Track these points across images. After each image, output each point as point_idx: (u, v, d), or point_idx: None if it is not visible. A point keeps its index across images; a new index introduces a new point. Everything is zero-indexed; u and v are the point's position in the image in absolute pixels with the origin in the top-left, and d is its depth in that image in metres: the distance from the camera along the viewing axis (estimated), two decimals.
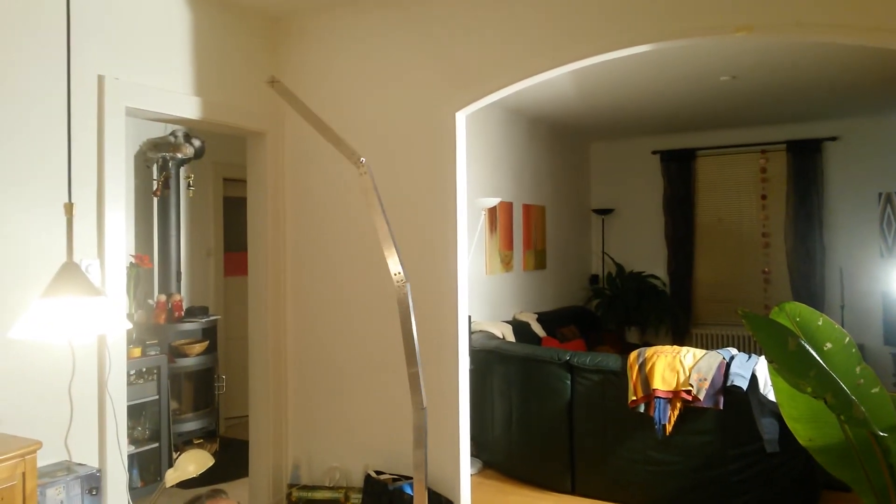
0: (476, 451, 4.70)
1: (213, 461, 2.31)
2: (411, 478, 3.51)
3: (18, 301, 2.64)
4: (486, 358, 4.69)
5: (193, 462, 2.22)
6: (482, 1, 3.39)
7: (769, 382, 3.56)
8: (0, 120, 2.62)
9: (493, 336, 4.98)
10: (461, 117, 3.51)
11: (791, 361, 2.10)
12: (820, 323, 2.37)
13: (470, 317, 4.47)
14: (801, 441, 2.42)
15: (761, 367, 3.71)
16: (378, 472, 3.61)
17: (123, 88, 3.07)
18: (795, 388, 2.20)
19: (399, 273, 1.76)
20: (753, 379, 3.67)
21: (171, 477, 2.17)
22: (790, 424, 2.42)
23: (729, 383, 3.68)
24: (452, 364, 3.49)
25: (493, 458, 4.69)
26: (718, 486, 3.76)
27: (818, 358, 2.09)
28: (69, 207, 1.68)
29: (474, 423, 4.57)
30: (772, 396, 3.54)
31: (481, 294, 5.64)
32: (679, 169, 7.44)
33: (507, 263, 6.07)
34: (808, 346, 2.11)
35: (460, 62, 3.45)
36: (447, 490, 3.47)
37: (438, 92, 3.51)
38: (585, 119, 6.64)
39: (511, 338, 5.23)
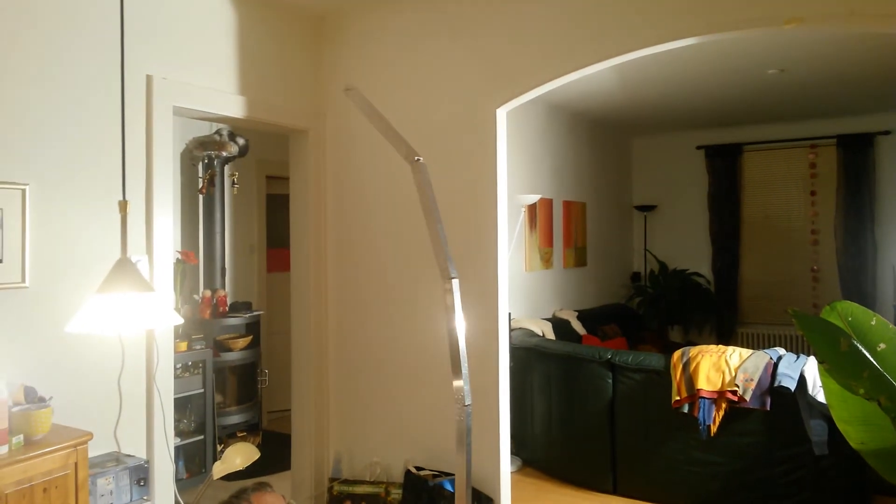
0: (516, 449, 4.69)
1: (259, 454, 2.35)
2: (452, 474, 3.52)
3: (70, 294, 2.72)
4: (526, 355, 4.67)
5: (240, 455, 2.25)
6: None
7: (818, 383, 3.48)
8: (56, 119, 2.70)
9: (532, 333, 4.95)
10: (502, 113, 3.50)
11: (843, 362, 2.05)
12: (873, 322, 2.30)
13: (510, 314, 4.45)
14: (852, 444, 2.35)
15: (810, 367, 3.62)
16: (418, 468, 3.63)
17: (171, 88, 3.14)
18: (847, 390, 2.14)
19: (447, 270, 1.74)
20: (802, 380, 3.58)
21: (219, 469, 2.21)
22: (841, 427, 2.36)
23: (776, 384, 3.60)
24: (493, 361, 3.48)
25: (533, 456, 4.67)
26: (764, 488, 3.68)
27: (871, 358, 2.03)
28: (123, 205, 1.72)
29: (514, 420, 4.56)
30: (821, 398, 3.45)
31: (521, 291, 5.61)
32: (724, 164, 7.29)
33: (546, 260, 6.03)
34: (860, 347, 2.05)
35: (501, 58, 3.43)
36: (487, 488, 3.47)
37: (479, 88, 3.50)
38: (628, 113, 6.55)
39: (551, 335, 5.20)
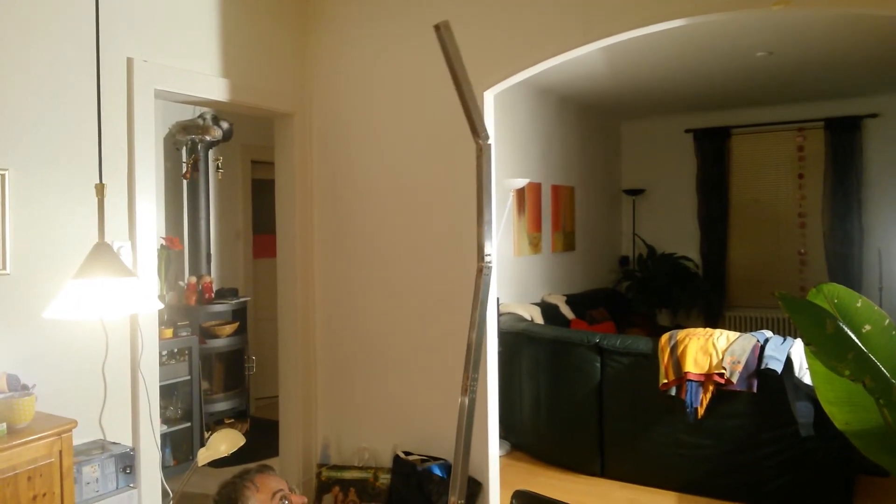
0: (504, 433, 4.69)
1: (245, 441, 2.33)
2: (441, 459, 3.52)
3: (52, 281, 2.68)
4: (515, 340, 4.67)
5: (225, 441, 2.24)
6: None
7: (804, 365, 3.50)
8: (34, 103, 2.65)
9: (521, 318, 4.95)
10: (489, 97, 3.47)
11: (829, 344, 2.05)
12: (859, 304, 2.30)
13: (498, 299, 4.44)
14: (837, 425, 2.36)
15: (796, 349, 3.64)
16: (406, 453, 3.63)
17: (152, 71, 3.08)
18: (833, 371, 2.15)
19: (489, 256, 1.70)
20: (788, 362, 3.60)
21: (204, 456, 2.20)
22: (826, 408, 2.37)
23: (763, 366, 3.62)
24: (481, 346, 3.47)
25: (521, 440, 4.69)
26: (751, 470, 3.70)
27: (857, 340, 2.03)
28: (100, 188, 1.69)
29: (503, 405, 4.55)
30: (807, 379, 3.47)
31: (509, 276, 5.60)
32: (713, 148, 7.29)
33: (535, 245, 6.02)
34: (846, 329, 2.05)
35: (488, 41, 3.40)
36: (476, 471, 3.47)
37: (466, 71, 3.46)
38: (616, 97, 6.53)
39: (539, 320, 5.20)
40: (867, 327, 2.27)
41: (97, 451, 2.68)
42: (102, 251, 1.57)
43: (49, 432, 2.32)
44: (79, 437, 2.65)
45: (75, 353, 2.79)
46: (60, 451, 2.36)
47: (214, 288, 4.95)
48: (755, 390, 3.64)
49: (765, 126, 7.07)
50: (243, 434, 4.66)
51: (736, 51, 4.84)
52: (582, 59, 4.36)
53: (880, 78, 5.77)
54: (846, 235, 6.59)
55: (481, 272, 1.69)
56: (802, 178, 6.94)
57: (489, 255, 1.70)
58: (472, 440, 3.44)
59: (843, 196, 6.60)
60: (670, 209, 7.62)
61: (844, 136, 6.61)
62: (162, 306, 1.75)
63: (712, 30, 4.33)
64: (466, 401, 1.58)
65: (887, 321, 2.28)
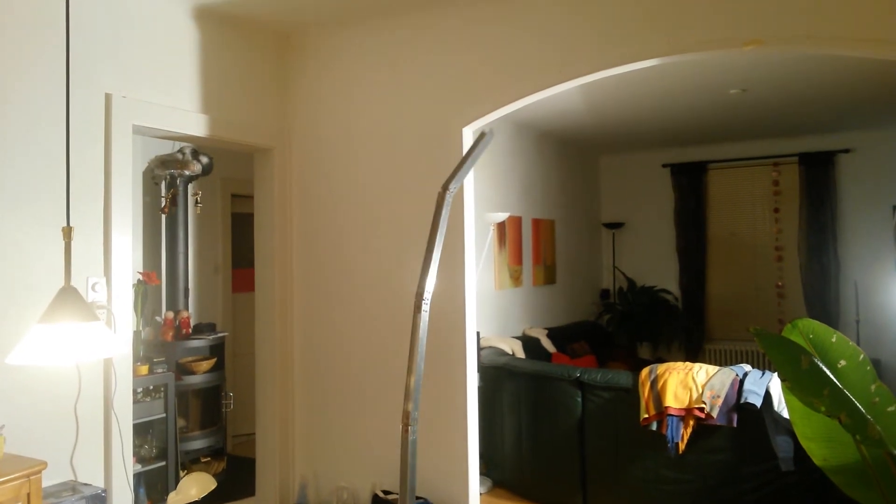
0: (486, 470, 4.65)
1: (216, 484, 2.29)
2: (420, 497, 3.47)
3: (25, 322, 2.63)
4: (496, 374, 4.65)
5: (196, 485, 2.19)
6: (489, 17, 3.38)
7: (783, 400, 3.50)
8: (8, 140, 2.63)
9: (502, 352, 4.93)
10: (468, 132, 3.50)
11: (804, 380, 2.06)
12: (834, 340, 2.32)
13: (479, 333, 4.43)
14: (815, 461, 2.37)
15: (775, 384, 3.65)
16: (385, 492, 3.57)
17: (130, 106, 3.08)
18: (809, 407, 2.16)
19: (427, 294, 1.70)
20: (768, 396, 3.60)
21: (174, 500, 2.15)
22: (804, 444, 2.37)
23: (742, 400, 3.62)
24: (461, 381, 3.45)
25: (503, 476, 4.63)
26: None
27: (832, 376, 2.05)
28: (67, 231, 1.67)
29: (484, 440, 4.52)
30: (786, 414, 3.47)
31: (490, 310, 5.60)
32: (690, 182, 7.39)
33: (516, 278, 6.03)
34: (821, 364, 2.06)
35: (467, 77, 3.44)
36: None
37: (445, 107, 3.50)
38: (595, 132, 6.62)
39: (521, 354, 5.18)
40: (842, 363, 2.29)
41: (67, 493, 2.62)
42: (68, 295, 1.55)
43: (17, 474, 2.27)
44: (49, 479, 2.59)
45: (46, 392, 2.74)
46: (28, 494, 2.30)
47: (192, 323, 4.88)
48: (735, 425, 3.64)
49: (740, 161, 7.18)
50: (220, 473, 4.60)
51: (710, 88, 4.94)
52: (560, 95, 4.43)
53: (852, 114, 5.90)
54: (822, 269, 6.67)
55: (419, 309, 1.68)
56: (778, 211, 7.04)
57: (427, 295, 1.70)
58: (451, 478, 3.41)
59: (818, 230, 6.70)
60: (649, 242, 7.68)
61: (818, 171, 6.73)
62: (129, 350, 1.73)
63: (686, 68, 4.42)
64: (409, 438, 1.56)
65: (862, 356, 2.30)
